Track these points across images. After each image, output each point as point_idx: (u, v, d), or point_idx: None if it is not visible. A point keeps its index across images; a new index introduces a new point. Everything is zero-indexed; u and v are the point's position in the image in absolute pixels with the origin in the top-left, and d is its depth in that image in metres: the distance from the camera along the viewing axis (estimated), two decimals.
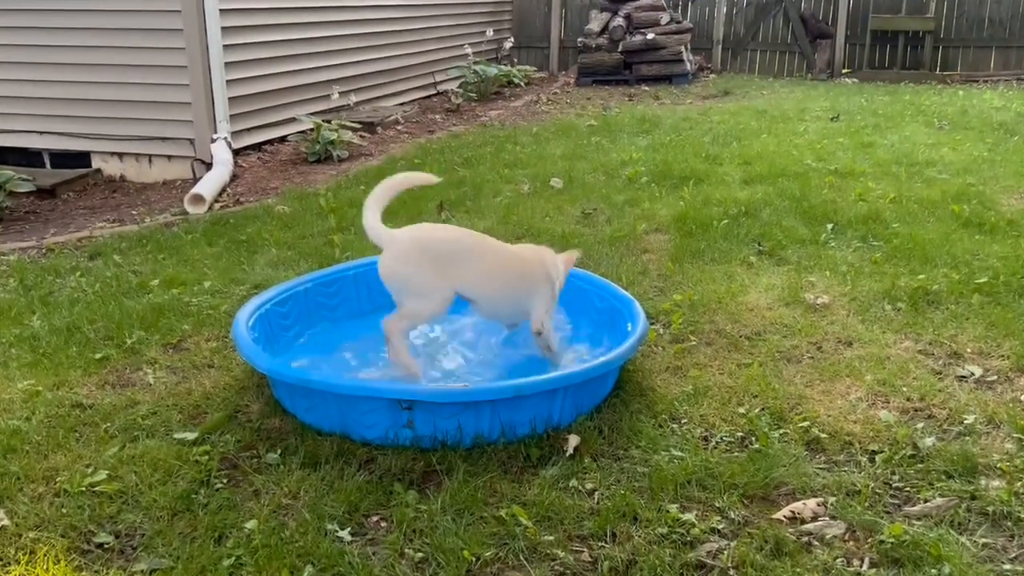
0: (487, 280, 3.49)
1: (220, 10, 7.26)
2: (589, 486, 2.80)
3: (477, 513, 2.65)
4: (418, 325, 3.64)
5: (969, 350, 3.74)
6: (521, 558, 2.48)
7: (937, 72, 13.13)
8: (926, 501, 2.71)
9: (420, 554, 2.49)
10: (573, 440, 3.02)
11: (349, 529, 2.60)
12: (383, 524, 2.64)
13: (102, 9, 7.40)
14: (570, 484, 2.80)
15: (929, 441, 3.01)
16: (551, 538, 2.55)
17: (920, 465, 2.90)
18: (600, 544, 2.53)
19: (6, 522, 2.63)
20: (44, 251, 5.51)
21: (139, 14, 7.33)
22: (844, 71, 13.37)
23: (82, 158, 7.88)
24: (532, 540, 2.54)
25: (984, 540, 2.54)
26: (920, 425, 3.14)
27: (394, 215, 5.75)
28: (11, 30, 7.66)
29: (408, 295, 3.39)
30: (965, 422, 3.16)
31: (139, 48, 7.40)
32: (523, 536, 2.55)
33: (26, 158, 7.93)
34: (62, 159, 7.93)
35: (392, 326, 3.39)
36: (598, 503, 2.71)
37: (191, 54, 7.24)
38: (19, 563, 2.46)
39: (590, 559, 2.49)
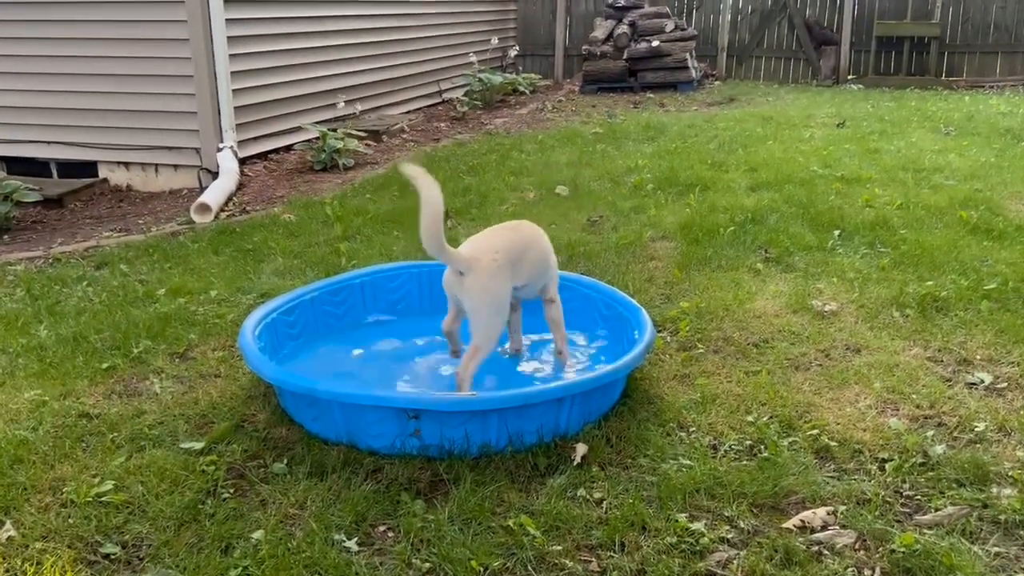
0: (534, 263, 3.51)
1: (226, 20, 7.28)
2: (597, 495, 2.78)
3: (485, 523, 2.64)
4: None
5: (979, 357, 3.72)
6: (529, 568, 2.46)
7: (943, 78, 13.11)
8: (937, 510, 2.69)
9: (428, 564, 2.48)
10: (581, 449, 3.00)
11: (356, 539, 2.58)
12: (390, 534, 2.63)
13: (108, 20, 7.42)
14: (578, 493, 2.79)
15: (939, 449, 2.99)
16: (559, 548, 2.53)
17: (931, 473, 2.88)
18: (609, 554, 2.52)
19: (13, 533, 2.63)
20: (51, 261, 5.52)
21: (145, 24, 7.35)
22: (849, 77, 13.36)
23: (89, 168, 7.90)
24: (540, 550, 2.52)
25: (996, 549, 2.52)
26: (930, 433, 3.12)
27: (399, 224, 5.76)
28: (18, 40, 7.70)
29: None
30: (976, 430, 3.14)
31: (145, 58, 7.43)
32: (531, 546, 2.53)
33: (33, 168, 7.95)
34: (69, 169, 7.96)
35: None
36: (606, 512, 2.70)
37: (197, 63, 7.26)
38: (26, 574, 2.45)
39: (599, 569, 2.47)
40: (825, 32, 13.71)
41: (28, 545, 2.57)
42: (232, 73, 7.44)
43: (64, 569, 2.47)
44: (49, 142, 7.88)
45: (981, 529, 2.60)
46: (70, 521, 2.68)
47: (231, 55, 7.40)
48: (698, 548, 2.53)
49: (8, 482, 2.88)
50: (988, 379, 3.51)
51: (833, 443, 3.06)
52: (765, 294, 4.45)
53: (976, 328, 3.98)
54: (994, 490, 2.77)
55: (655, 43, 12.68)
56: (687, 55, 12.86)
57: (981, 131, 8.72)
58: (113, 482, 2.86)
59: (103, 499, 2.78)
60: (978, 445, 3.05)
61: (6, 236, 6.41)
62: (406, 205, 6.20)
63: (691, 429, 3.18)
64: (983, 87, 12.53)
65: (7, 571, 2.47)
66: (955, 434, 3.13)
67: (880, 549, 2.52)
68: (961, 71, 13.24)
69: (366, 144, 8.47)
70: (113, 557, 2.54)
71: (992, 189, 6.34)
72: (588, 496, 2.77)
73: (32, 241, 6.25)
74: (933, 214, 5.72)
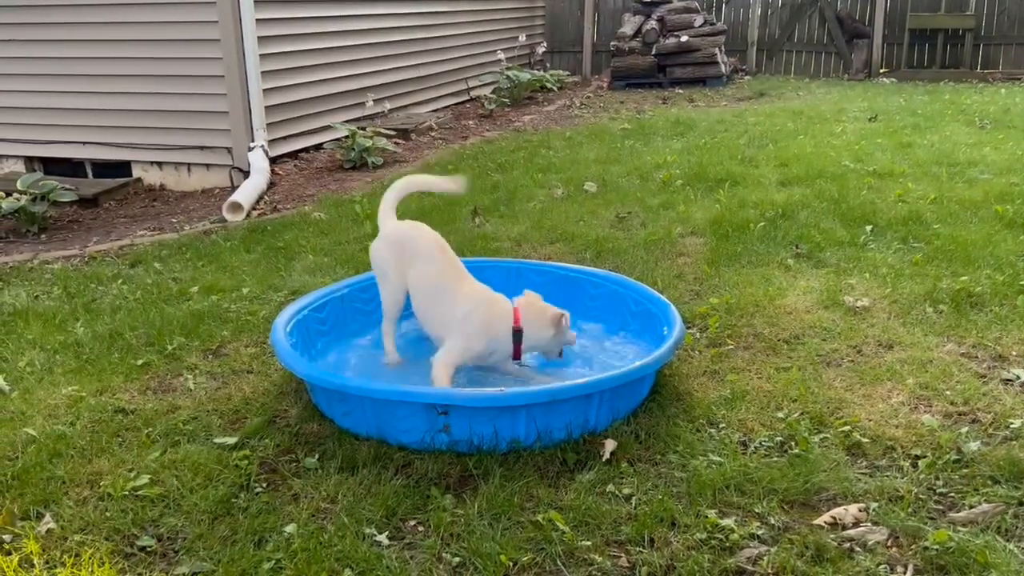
0: None
1: (257, 20, 7.35)
2: (626, 491, 2.78)
3: (514, 518, 2.65)
4: None
5: (1014, 353, 3.67)
6: (558, 563, 2.47)
7: (978, 70, 12.92)
8: (971, 507, 2.66)
9: (457, 558, 2.49)
10: (610, 445, 3.00)
11: (387, 533, 2.61)
12: (420, 528, 2.65)
13: (140, 21, 7.53)
14: (607, 489, 2.79)
15: (974, 446, 2.95)
16: (588, 543, 2.54)
17: (965, 470, 2.84)
18: (638, 549, 2.52)
19: (52, 525, 2.68)
20: (87, 259, 5.61)
21: (177, 25, 7.44)
22: (882, 71, 13.19)
23: (123, 168, 8.02)
24: (569, 545, 2.53)
25: None
26: (964, 429, 3.08)
27: (427, 220, 5.78)
28: (52, 43, 7.82)
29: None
30: (1011, 426, 3.09)
31: (177, 59, 7.52)
32: (560, 541, 2.54)
33: (69, 168, 8.10)
34: (103, 169, 8.09)
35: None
36: (635, 508, 2.70)
37: (228, 64, 7.34)
38: (65, 565, 2.50)
39: (628, 564, 2.47)
40: (857, 25, 13.54)
41: (67, 537, 2.63)
42: (263, 73, 7.51)
43: (102, 561, 2.52)
44: (84, 143, 8.01)
45: (1016, 527, 2.57)
46: (107, 514, 2.73)
47: (261, 55, 7.47)
48: (728, 544, 2.52)
49: (47, 476, 2.94)
50: None
51: (865, 440, 3.03)
52: (796, 290, 4.41)
53: (1012, 324, 3.92)
54: None
55: (684, 38, 12.60)
56: (716, 50, 12.77)
57: (1017, 124, 8.58)
58: (149, 476, 2.91)
59: (139, 493, 2.83)
60: (1013, 442, 3.00)
61: (43, 235, 6.53)
62: (434, 202, 6.23)
63: (721, 425, 3.16)
64: (1019, 79, 12.31)
65: (47, 562, 2.53)
66: (990, 431, 3.09)
67: (913, 546, 2.50)
68: (997, 63, 13.02)
69: (395, 142, 8.51)
70: (149, 550, 2.58)
71: None
72: (617, 492, 2.77)
73: (68, 240, 6.36)
74: (967, 209, 5.64)
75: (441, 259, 3.53)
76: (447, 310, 3.44)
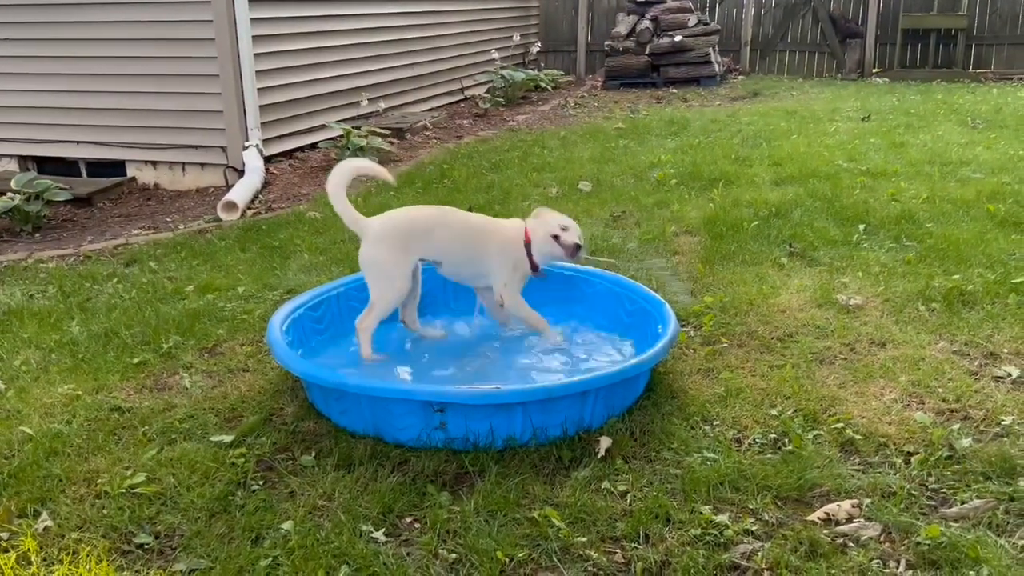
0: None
1: (251, 19, 7.35)
2: (621, 488, 2.80)
3: (510, 514, 2.67)
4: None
5: (1006, 350, 3.70)
6: (554, 559, 2.49)
7: (970, 70, 12.97)
8: (963, 503, 2.68)
9: (454, 555, 2.51)
10: (605, 442, 3.02)
11: (383, 530, 2.62)
12: (417, 525, 2.66)
13: (135, 20, 7.51)
14: (602, 486, 2.81)
15: (966, 442, 2.98)
16: (584, 539, 2.56)
17: (957, 466, 2.87)
18: (633, 545, 2.53)
19: (49, 523, 2.69)
20: (82, 258, 5.61)
21: (171, 24, 7.43)
22: (875, 71, 13.24)
23: (117, 167, 8.01)
24: (565, 541, 2.54)
25: (1023, 542, 2.51)
26: (956, 426, 3.11)
27: None
28: (46, 42, 7.81)
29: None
30: (1003, 423, 3.12)
31: (171, 58, 7.51)
32: (556, 537, 2.55)
33: (63, 167, 8.08)
34: (98, 168, 8.07)
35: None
36: (631, 505, 2.71)
37: (223, 63, 7.34)
38: (63, 563, 2.51)
39: (623, 560, 2.49)
40: (850, 25, 13.59)
41: (64, 535, 2.64)
42: (257, 72, 7.51)
43: (99, 558, 2.53)
44: (78, 142, 7.99)
45: (1007, 522, 2.59)
46: (104, 512, 2.74)
47: (256, 54, 7.47)
48: (722, 540, 2.54)
49: (44, 474, 2.94)
50: (1015, 373, 3.49)
51: (858, 436, 3.05)
52: (789, 288, 4.44)
53: (1003, 322, 3.95)
54: (1021, 483, 2.76)
55: (678, 38, 12.63)
56: (710, 50, 12.80)
57: (1009, 124, 8.62)
58: (145, 474, 2.92)
59: (136, 491, 2.84)
60: (1005, 439, 3.03)
61: (38, 234, 6.52)
62: (428, 201, 6.24)
63: (715, 423, 3.19)
64: (1011, 79, 12.37)
65: (44, 560, 2.54)
66: (981, 428, 3.11)
67: (905, 542, 2.52)
68: (989, 63, 13.08)
69: (389, 142, 8.52)
70: (146, 547, 2.59)
71: (1021, 182, 6.27)
72: (612, 488, 2.79)
73: (63, 239, 6.36)
74: (960, 208, 5.67)
75: (449, 220, 3.75)
76: (480, 256, 3.74)
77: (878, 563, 2.43)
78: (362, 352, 3.64)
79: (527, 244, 3.73)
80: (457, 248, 3.72)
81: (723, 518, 2.62)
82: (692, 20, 12.92)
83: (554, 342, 3.78)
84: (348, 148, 7.94)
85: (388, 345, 3.81)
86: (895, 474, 2.85)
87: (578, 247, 3.70)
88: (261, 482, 2.89)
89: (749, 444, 3.04)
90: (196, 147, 7.70)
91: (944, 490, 2.76)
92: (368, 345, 3.63)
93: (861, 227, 5.34)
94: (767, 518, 2.64)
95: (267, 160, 7.70)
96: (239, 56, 7.34)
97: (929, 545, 2.47)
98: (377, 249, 3.63)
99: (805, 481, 2.80)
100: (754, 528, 2.59)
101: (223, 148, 7.60)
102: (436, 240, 3.67)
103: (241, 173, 7.35)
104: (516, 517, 2.66)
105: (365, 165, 3.95)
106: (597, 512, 2.67)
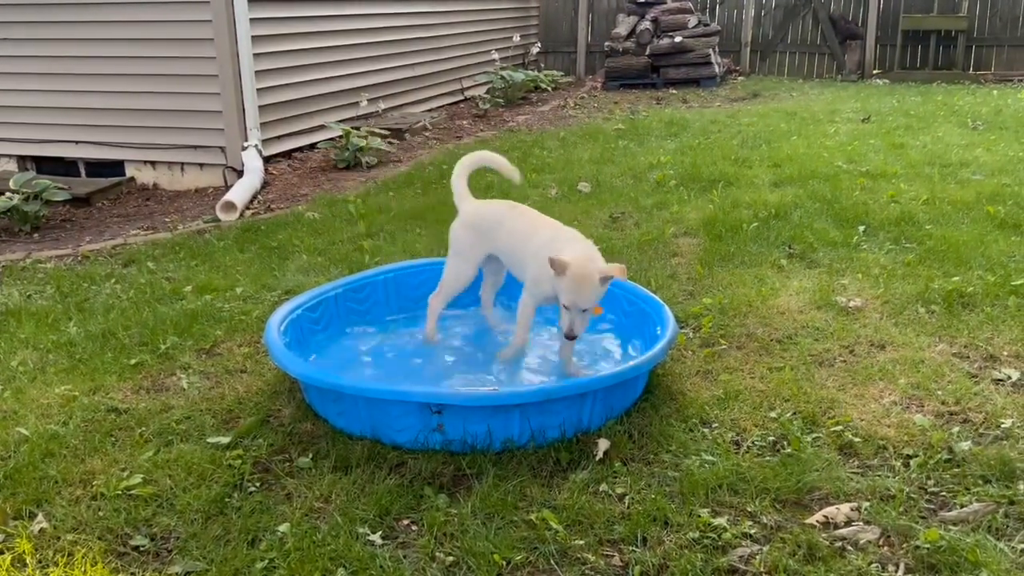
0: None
1: (250, 19, 7.34)
2: (619, 490, 2.79)
3: (507, 517, 2.66)
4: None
5: (1006, 353, 3.69)
6: (552, 562, 2.48)
7: (970, 72, 12.97)
8: (962, 506, 2.67)
9: (451, 558, 2.50)
10: (603, 444, 3.01)
11: (380, 533, 2.61)
12: (414, 528, 2.65)
13: (134, 20, 7.51)
14: (600, 488, 2.80)
15: (965, 445, 2.97)
16: (581, 542, 2.55)
17: (956, 470, 2.86)
18: (631, 548, 2.52)
19: (45, 524, 2.68)
20: (80, 258, 5.60)
21: (170, 24, 7.43)
22: (875, 72, 13.24)
23: (116, 167, 8.00)
24: (563, 544, 2.53)
25: (1023, 546, 2.50)
26: (956, 429, 3.10)
27: (423, 218, 5.79)
28: (46, 42, 7.80)
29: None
30: (1002, 426, 3.11)
31: (170, 58, 7.51)
32: (553, 540, 2.54)
33: (61, 167, 8.07)
34: (97, 168, 8.06)
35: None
36: (628, 507, 2.70)
37: (222, 63, 7.33)
38: (58, 565, 2.50)
39: (621, 563, 2.48)
40: (850, 26, 13.58)
41: (59, 537, 2.63)
42: (256, 72, 7.50)
43: (95, 560, 2.52)
44: (77, 142, 7.98)
45: (1007, 526, 2.58)
46: (100, 514, 2.73)
47: (255, 54, 7.46)
48: (720, 543, 2.53)
49: (40, 475, 2.93)
50: (1015, 375, 3.48)
51: (857, 439, 3.04)
52: (789, 290, 4.43)
53: (1003, 324, 3.94)
54: (1020, 487, 2.75)
55: (678, 39, 12.62)
56: (710, 51, 12.80)
57: (1009, 125, 8.61)
58: (142, 476, 2.91)
59: (132, 492, 2.82)
60: (1004, 442, 3.02)
61: (36, 234, 6.51)
62: (428, 202, 6.24)
63: (714, 425, 3.18)
64: (1012, 81, 12.36)
65: (40, 562, 2.53)
66: (981, 431, 3.10)
67: (904, 545, 2.51)
68: (989, 65, 13.07)
69: (389, 142, 8.51)
70: (142, 549, 2.58)
71: (1020, 184, 6.26)
72: (610, 491, 2.78)
73: (61, 239, 6.35)
74: (959, 209, 5.66)
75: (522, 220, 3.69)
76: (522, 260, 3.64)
77: (877, 567, 2.42)
78: (427, 330, 3.81)
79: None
80: (508, 249, 3.70)
81: (721, 521, 2.61)
82: (692, 21, 12.92)
83: (503, 356, 3.65)
84: (347, 148, 7.93)
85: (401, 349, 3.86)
86: (894, 477, 2.84)
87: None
88: (258, 484, 2.88)
89: (748, 446, 3.03)
90: (195, 147, 7.69)
91: (943, 493, 2.75)
92: (433, 324, 3.78)
93: (861, 229, 5.33)
94: (766, 521, 2.63)
95: (266, 160, 7.69)
96: (238, 56, 7.33)
97: (928, 549, 2.46)
98: (461, 230, 3.76)
99: (804, 484, 2.79)
100: (752, 531, 2.58)
101: (222, 148, 7.60)
102: (499, 238, 3.68)
103: (240, 173, 7.34)
104: (513, 520, 2.65)
105: (495, 159, 3.98)
106: (595, 515, 2.66)
